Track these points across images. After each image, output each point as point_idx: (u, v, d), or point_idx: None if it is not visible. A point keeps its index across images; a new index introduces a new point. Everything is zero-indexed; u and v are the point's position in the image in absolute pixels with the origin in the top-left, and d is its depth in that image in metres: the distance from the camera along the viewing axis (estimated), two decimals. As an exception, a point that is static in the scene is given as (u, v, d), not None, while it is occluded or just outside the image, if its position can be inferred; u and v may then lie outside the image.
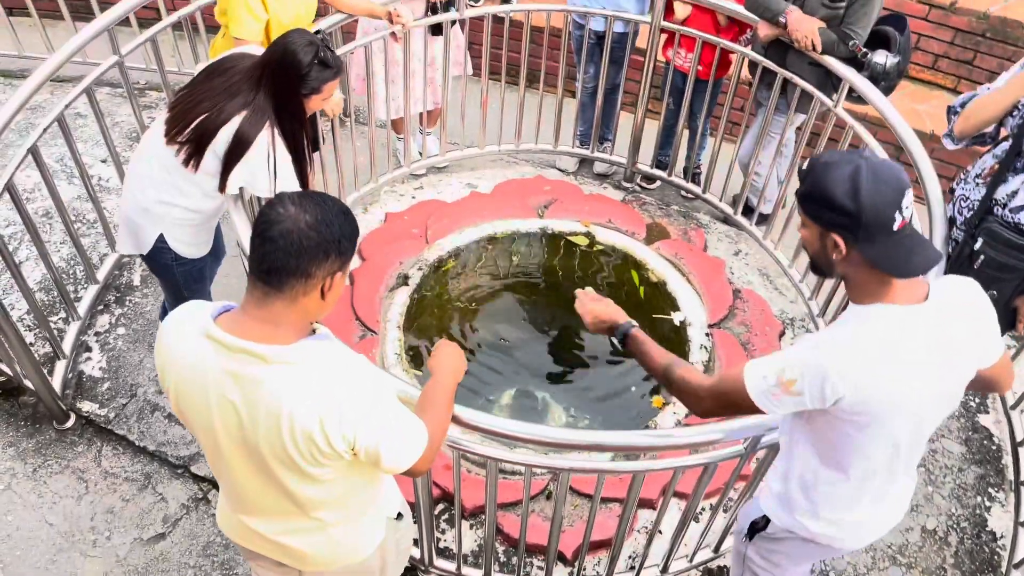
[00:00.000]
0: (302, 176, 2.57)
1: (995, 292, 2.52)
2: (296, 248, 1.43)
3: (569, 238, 3.88)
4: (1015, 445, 3.11)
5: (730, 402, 1.70)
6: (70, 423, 3.09)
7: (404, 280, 3.60)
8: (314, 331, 1.58)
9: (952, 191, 2.66)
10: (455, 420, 1.90)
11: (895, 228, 1.46)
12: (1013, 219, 2.45)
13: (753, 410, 1.68)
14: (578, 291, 2.09)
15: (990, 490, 3.04)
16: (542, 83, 4.01)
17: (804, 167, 1.58)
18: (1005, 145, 2.46)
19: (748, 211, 3.95)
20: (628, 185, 4.29)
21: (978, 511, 2.98)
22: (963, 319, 1.63)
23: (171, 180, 2.52)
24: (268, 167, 2.44)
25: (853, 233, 1.49)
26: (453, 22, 3.67)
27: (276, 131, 2.43)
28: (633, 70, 4.02)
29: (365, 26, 3.64)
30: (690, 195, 4.20)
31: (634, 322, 1.97)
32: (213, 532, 2.83)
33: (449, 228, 3.84)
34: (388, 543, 1.95)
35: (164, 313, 3.13)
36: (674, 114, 3.99)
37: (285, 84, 2.39)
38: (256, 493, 1.68)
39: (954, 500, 3.00)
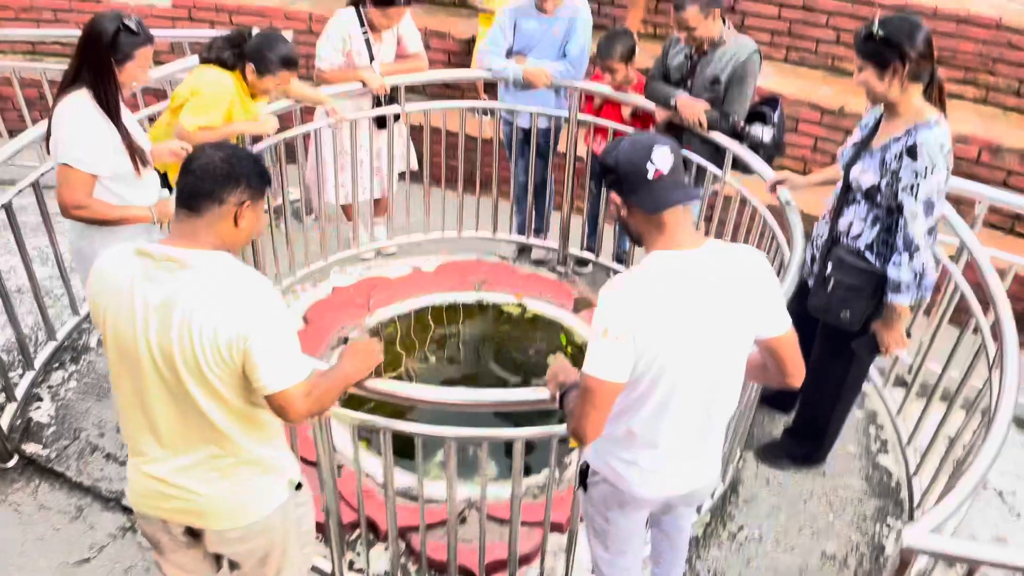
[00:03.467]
0: (126, 145, 2.71)
1: (848, 312, 2.81)
2: (210, 175, 1.79)
3: (503, 308, 4.19)
4: (909, 477, 3.27)
5: (586, 396, 1.80)
6: (12, 463, 3.24)
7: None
8: None
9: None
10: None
11: (650, 177, 1.77)
12: (853, 245, 2.79)
13: (606, 397, 1.80)
14: (555, 356, 2.21)
15: (889, 519, 3.17)
16: (478, 185, 4.44)
17: None
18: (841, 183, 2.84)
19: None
20: (562, 269, 4.64)
21: (876, 538, 3.10)
22: (741, 277, 1.85)
23: None
24: (66, 129, 2.63)
25: (621, 187, 1.81)
26: (396, 116, 4.16)
27: (87, 99, 2.64)
28: (560, 171, 4.49)
29: (319, 115, 4.10)
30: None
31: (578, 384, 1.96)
32: (137, 557, 2.93)
33: (391, 299, 4.16)
34: (289, 512, 2.10)
35: None
36: (597, 198, 4.41)
37: (96, 55, 2.63)
38: (171, 419, 1.88)
39: (854, 527, 3.13)
